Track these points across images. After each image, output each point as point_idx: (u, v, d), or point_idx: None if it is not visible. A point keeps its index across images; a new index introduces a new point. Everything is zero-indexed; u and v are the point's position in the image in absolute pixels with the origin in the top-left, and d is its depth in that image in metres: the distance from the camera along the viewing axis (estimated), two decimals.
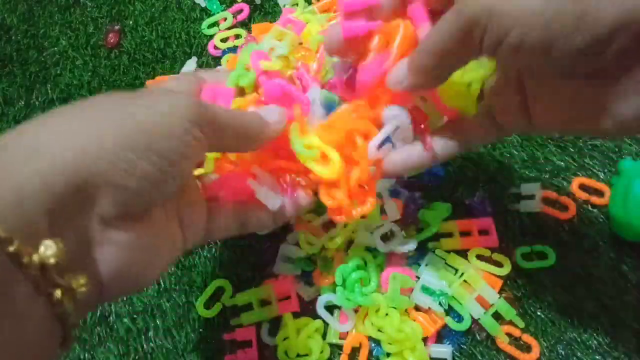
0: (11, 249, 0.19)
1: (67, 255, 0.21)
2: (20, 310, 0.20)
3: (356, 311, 0.39)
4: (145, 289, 0.42)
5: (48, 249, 0.20)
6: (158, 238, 0.28)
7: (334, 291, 0.39)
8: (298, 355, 0.39)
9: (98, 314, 0.42)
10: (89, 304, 0.25)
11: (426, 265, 0.40)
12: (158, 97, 0.27)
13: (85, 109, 0.25)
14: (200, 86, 0.35)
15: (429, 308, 0.39)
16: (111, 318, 0.42)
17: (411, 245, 0.39)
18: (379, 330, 0.38)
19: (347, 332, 0.39)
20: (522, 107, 0.29)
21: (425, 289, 0.39)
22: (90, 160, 0.23)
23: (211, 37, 0.53)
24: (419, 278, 0.40)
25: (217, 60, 0.52)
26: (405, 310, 0.39)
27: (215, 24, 0.53)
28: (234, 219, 0.34)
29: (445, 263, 0.40)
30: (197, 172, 0.35)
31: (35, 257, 0.20)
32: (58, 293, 0.21)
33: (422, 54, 0.27)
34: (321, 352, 0.39)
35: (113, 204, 0.24)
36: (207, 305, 0.41)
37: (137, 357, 0.41)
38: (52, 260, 0.20)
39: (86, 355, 0.41)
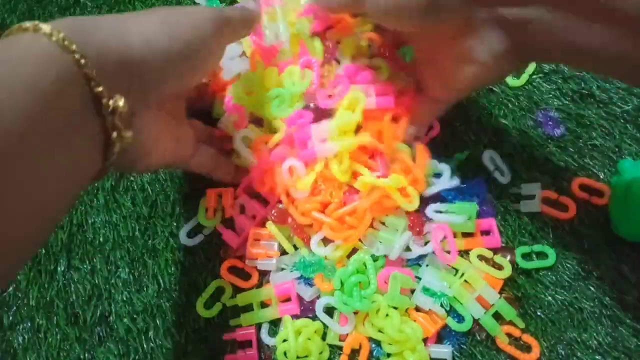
0: (99, 89, 0.27)
1: (128, 110, 0.28)
2: (86, 130, 0.27)
3: (356, 313, 0.39)
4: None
5: (119, 101, 0.28)
6: (165, 131, 0.35)
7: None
8: (298, 357, 0.39)
9: (98, 314, 0.42)
10: (126, 156, 0.31)
11: (427, 265, 0.40)
12: (193, 8, 0.36)
13: (150, 13, 0.33)
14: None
15: (430, 309, 0.39)
16: (111, 318, 0.42)
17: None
18: (379, 331, 0.38)
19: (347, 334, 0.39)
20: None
21: (426, 290, 0.39)
22: (149, 57, 0.30)
23: None
24: (419, 278, 0.40)
25: None
26: (406, 311, 0.39)
27: None
28: (210, 162, 0.41)
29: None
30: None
31: (111, 102, 0.27)
32: (114, 134, 0.28)
33: None
34: (321, 352, 0.39)
35: (155, 94, 0.32)
36: (208, 305, 0.41)
37: (137, 357, 0.41)
38: (121, 108, 0.28)
39: (86, 355, 0.41)
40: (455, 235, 0.41)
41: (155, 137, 0.33)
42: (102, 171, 0.30)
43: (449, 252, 0.40)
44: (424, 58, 0.40)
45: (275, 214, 0.41)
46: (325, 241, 0.40)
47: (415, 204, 0.40)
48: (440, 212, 0.41)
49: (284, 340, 0.39)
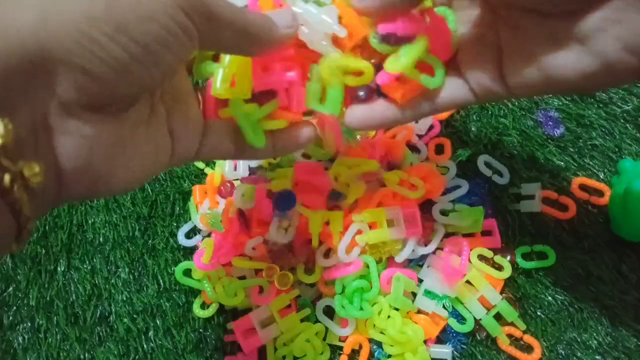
0: None
1: (17, 137, 0.19)
2: None
3: None
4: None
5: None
6: (134, 139, 0.25)
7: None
8: (297, 358, 0.39)
9: (98, 314, 0.42)
10: (47, 198, 0.22)
11: (428, 266, 0.40)
12: None
13: None
14: None
15: (432, 312, 0.39)
16: (111, 318, 0.42)
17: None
18: (380, 332, 0.38)
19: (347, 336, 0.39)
20: (496, 63, 0.28)
21: (428, 293, 0.39)
22: (50, 33, 0.20)
23: None
24: (420, 280, 0.40)
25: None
26: (407, 312, 0.39)
27: None
28: (230, 140, 0.31)
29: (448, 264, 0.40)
30: None
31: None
32: (7, 179, 0.19)
33: None
34: (321, 353, 0.39)
35: (74, 88, 0.21)
36: (206, 305, 0.41)
37: (137, 357, 0.41)
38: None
39: (86, 355, 0.41)
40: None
41: (111, 151, 0.24)
42: (23, 234, 0.21)
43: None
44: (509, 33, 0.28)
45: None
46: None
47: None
48: (446, 214, 0.41)
49: (284, 345, 0.39)
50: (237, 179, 0.44)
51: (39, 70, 0.20)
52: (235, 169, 0.44)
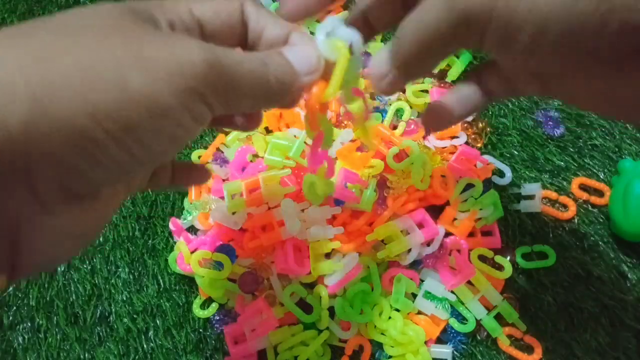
0: None
1: None
2: None
3: None
4: (144, 289, 0.42)
5: None
6: (98, 219, 0.23)
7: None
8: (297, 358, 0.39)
9: (98, 314, 0.42)
10: (29, 269, 0.21)
11: (429, 267, 0.40)
12: (160, 43, 0.19)
13: (58, 33, 0.18)
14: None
15: (432, 314, 0.39)
16: (111, 318, 0.42)
17: None
18: (381, 333, 0.38)
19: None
20: (540, 87, 0.26)
21: (428, 294, 0.39)
22: (41, 130, 0.17)
23: None
24: (422, 280, 0.40)
25: None
26: (408, 313, 0.39)
27: None
28: (170, 180, 0.30)
29: (449, 265, 0.40)
30: None
31: None
32: None
33: (405, 44, 0.23)
34: (322, 355, 0.39)
35: (57, 185, 0.18)
36: (205, 305, 0.41)
37: (137, 357, 0.41)
38: None
39: (86, 355, 0.41)
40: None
41: (79, 239, 0.22)
42: None
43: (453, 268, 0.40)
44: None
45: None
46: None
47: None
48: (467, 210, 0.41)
49: (287, 349, 0.39)
50: (225, 179, 0.45)
51: (19, 166, 0.17)
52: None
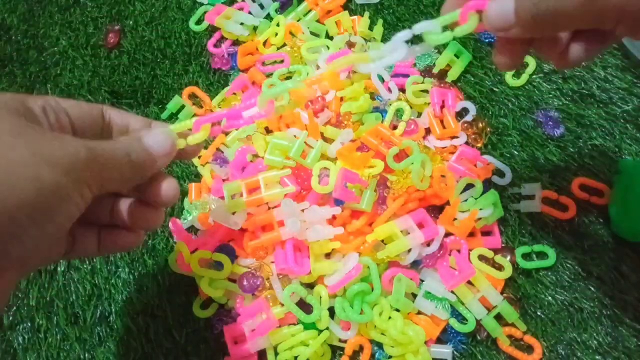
0: None
1: None
2: None
3: None
4: (142, 290, 0.42)
5: None
6: None
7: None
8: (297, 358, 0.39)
9: (98, 314, 0.42)
10: None
11: (429, 267, 0.40)
12: (54, 141, 0.24)
13: None
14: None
15: (432, 314, 0.39)
16: (111, 318, 0.42)
17: None
18: (381, 334, 0.38)
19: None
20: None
21: (428, 294, 0.39)
22: None
23: (204, 33, 0.53)
24: (422, 280, 0.40)
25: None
26: (408, 313, 0.39)
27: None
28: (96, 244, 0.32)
29: (449, 265, 0.40)
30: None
31: None
32: None
33: (542, 8, 0.25)
34: (322, 355, 0.39)
35: None
36: (205, 305, 0.41)
37: (137, 357, 0.41)
38: None
39: (86, 355, 0.41)
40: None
41: None
42: None
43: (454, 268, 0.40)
44: None
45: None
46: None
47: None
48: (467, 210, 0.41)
49: (287, 349, 0.39)
50: (225, 178, 0.45)
51: None
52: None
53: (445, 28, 0.29)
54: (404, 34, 0.29)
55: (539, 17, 0.25)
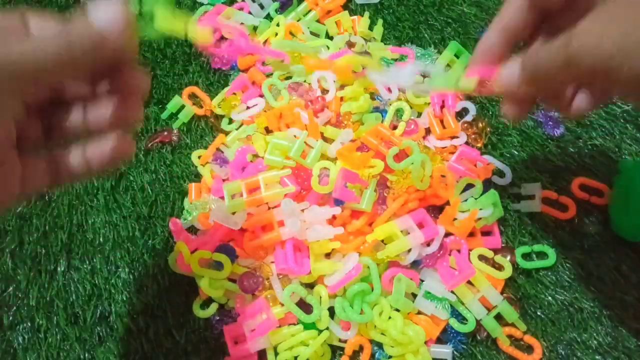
0: None
1: None
2: None
3: None
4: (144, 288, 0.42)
5: None
6: None
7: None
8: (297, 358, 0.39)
9: (98, 314, 0.42)
10: None
11: (429, 267, 0.40)
12: None
13: None
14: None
15: (432, 314, 0.39)
16: (111, 318, 0.42)
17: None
18: (381, 334, 0.38)
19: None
20: None
21: (428, 294, 0.39)
22: None
23: None
24: (422, 280, 0.40)
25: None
26: (408, 313, 0.39)
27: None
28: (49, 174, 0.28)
29: (449, 265, 0.40)
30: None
31: None
32: None
33: (541, 71, 0.29)
34: (322, 355, 0.39)
35: None
36: (205, 305, 0.41)
37: (137, 357, 0.41)
38: None
39: (86, 355, 0.41)
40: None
41: None
42: None
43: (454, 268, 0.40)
44: None
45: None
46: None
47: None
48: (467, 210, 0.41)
49: (287, 349, 0.39)
50: (226, 178, 0.45)
51: None
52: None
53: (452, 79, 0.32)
54: (416, 68, 0.34)
55: (538, 78, 0.29)
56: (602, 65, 0.25)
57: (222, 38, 0.53)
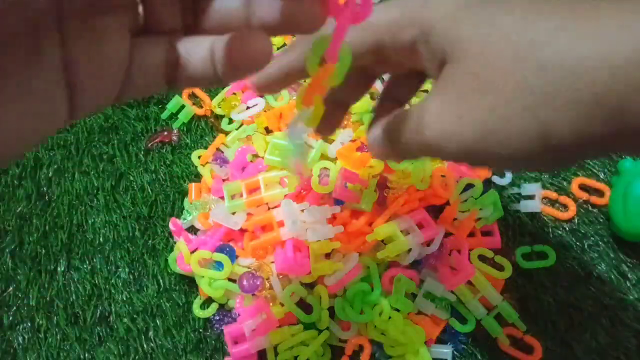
0: None
1: None
2: None
3: None
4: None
5: None
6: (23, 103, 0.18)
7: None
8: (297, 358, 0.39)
9: (98, 314, 0.42)
10: None
11: (429, 267, 0.40)
12: None
13: None
14: None
15: (432, 314, 0.39)
16: (111, 318, 0.42)
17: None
18: (381, 334, 0.38)
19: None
20: None
21: (428, 294, 0.39)
22: None
23: None
24: (422, 280, 0.40)
25: None
26: (408, 313, 0.39)
27: None
28: (161, 76, 0.22)
29: (449, 265, 0.40)
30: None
31: None
32: None
33: (405, 147, 0.25)
34: (322, 355, 0.39)
35: None
36: (205, 305, 0.41)
37: (137, 357, 0.41)
38: None
39: (86, 355, 0.41)
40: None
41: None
42: None
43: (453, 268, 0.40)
44: None
45: None
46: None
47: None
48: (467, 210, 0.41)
49: (287, 349, 0.39)
50: (226, 178, 0.45)
51: None
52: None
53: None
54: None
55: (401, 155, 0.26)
56: (467, 150, 0.21)
57: None
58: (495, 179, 0.44)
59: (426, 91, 0.46)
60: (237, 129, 0.47)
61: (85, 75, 0.20)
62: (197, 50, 0.21)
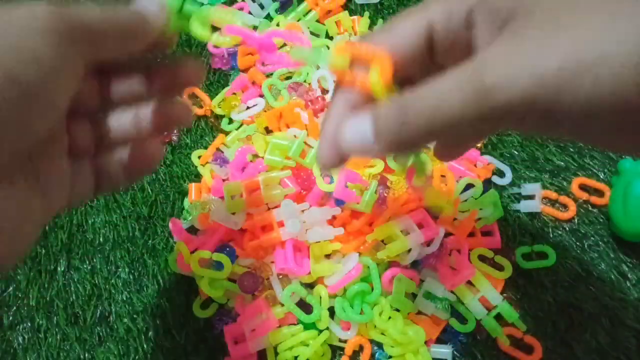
0: None
1: None
2: None
3: None
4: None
5: None
6: (17, 207, 0.23)
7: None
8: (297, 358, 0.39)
9: (98, 314, 0.42)
10: None
11: (429, 267, 0.40)
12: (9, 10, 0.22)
13: None
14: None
15: (432, 314, 0.39)
16: (111, 318, 0.42)
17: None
18: (381, 333, 0.38)
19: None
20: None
21: (428, 294, 0.39)
22: None
23: None
24: (422, 280, 0.40)
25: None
26: (408, 313, 0.39)
27: None
28: (92, 180, 0.29)
29: (449, 265, 0.40)
30: None
31: None
32: None
33: (412, 129, 0.21)
34: (322, 355, 0.39)
35: None
36: (205, 305, 0.41)
37: (137, 357, 0.41)
38: None
39: (86, 355, 0.41)
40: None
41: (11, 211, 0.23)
42: None
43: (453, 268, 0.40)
44: None
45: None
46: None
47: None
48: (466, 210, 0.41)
49: (287, 349, 0.39)
50: (225, 178, 0.45)
51: None
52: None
53: None
54: None
55: (433, 131, 0.21)
56: (541, 99, 0.19)
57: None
58: (495, 179, 0.44)
59: None
60: (237, 129, 0.47)
61: (50, 183, 0.26)
62: (114, 164, 0.29)
